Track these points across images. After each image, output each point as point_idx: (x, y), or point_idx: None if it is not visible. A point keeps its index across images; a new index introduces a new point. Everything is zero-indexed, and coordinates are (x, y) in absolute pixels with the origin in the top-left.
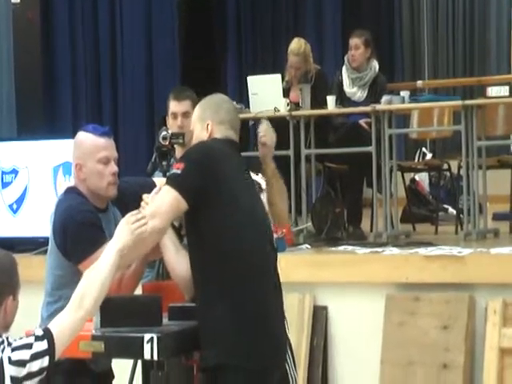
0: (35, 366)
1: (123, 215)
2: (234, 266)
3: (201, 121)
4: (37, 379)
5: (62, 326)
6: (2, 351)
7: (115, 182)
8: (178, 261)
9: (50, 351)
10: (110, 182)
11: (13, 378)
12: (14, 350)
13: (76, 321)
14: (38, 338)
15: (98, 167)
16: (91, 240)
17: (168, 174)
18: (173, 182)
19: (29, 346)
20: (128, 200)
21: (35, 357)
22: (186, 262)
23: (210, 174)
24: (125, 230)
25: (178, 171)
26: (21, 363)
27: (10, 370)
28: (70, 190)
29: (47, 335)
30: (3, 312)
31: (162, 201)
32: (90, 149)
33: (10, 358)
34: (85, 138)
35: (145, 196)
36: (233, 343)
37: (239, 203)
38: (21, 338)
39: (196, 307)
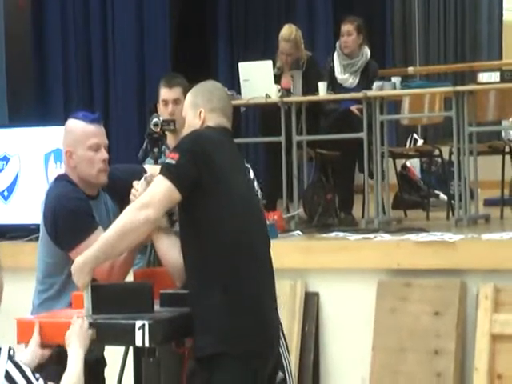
0: None
1: (114, 202)
2: (230, 255)
3: (193, 108)
4: None
5: None
6: None
7: (106, 169)
8: (169, 248)
9: None
10: (101, 169)
11: None
12: (13, 363)
13: None
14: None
15: (89, 154)
16: (82, 227)
17: (160, 162)
18: (166, 172)
19: (26, 377)
20: (119, 187)
21: None
22: (177, 249)
23: (205, 164)
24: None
25: (172, 161)
26: (12, 381)
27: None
28: (61, 178)
29: None
30: None
31: (156, 191)
32: (80, 136)
33: (7, 372)
34: (75, 125)
35: (135, 183)
36: (228, 332)
37: (234, 192)
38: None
39: (189, 296)
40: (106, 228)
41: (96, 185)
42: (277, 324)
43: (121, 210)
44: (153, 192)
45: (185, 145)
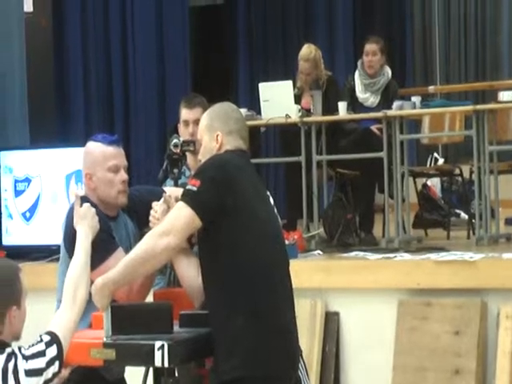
0: (50, 372)
1: (134, 223)
2: (252, 280)
3: (209, 131)
4: None
5: (64, 326)
6: (15, 364)
7: (125, 190)
8: (187, 268)
9: (60, 356)
10: (120, 190)
11: None
12: (27, 358)
13: (74, 316)
14: (48, 344)
15: (108, 176)
16: (102, 248)
17: (180, 183)
18: (188, 198)
19: (42, 354)
20: (138, 208)
21: (49, 364)
22: (195, 269)
23: (226, 190)
24: (87, 212)
25: (194, 188)
26: (38, 372)
27: (26, 382)
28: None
29: (55, 339)
30: (8, 322)
31: (177, 218)
32: (99, 158)
33: (25, 371)
34: (94, 147)
35: (154, 204)
36: (251, 355)
37: (255, 216)
38: (32, 345)
39: (210, 318)
40: (126, 249)
41: (116, 206)
42: (297, 345)
43: (140, 230)
44: (174, 219)
45: (207, 171)
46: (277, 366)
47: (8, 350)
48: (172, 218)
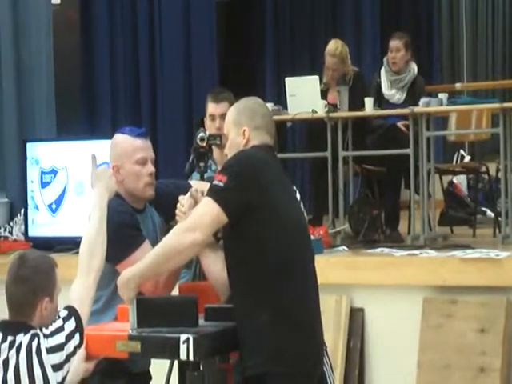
0: (71, 346)
1: (161, 216)
2: (279, 275)
3: (236, 126)
4: (73, 359)
5: (81, 298)
6: (38, 343)
7: (152, 183)
8: (213, 262)
9: (79, 328)
10: (147, 183)
11: (54, 366)
12: (47, 336)
13: (91, 285)
14: (65, 319)
15: (135, 168)
16: (129, 241)
17: (206, 177)
18: (215, 195)
19: (61, 329)
20: (165, 201)
21: (69, 337)
22: (221, 263)
23: (253, 186)
24: (104, 173)
25: (220, 183)
26: (59, 347)
27: (49, 360)
28: None
29: (73, 313)
30: (39, 312)
31: (204, 214)
32: (126, 150)
33: (47, 349)
34: (121, 139)
35: (181, 197)
36: (276, 351)
37: (281, 212)
38: (52, 324)
39: (236, 313)
40: (152, 241)
41: (143, 199)
42: (322, 340)
43: (166, 223)
44: (200, 215)
45: (233, 167)
46: (301, 364)
47: (32, 331)
48: (198, 214)
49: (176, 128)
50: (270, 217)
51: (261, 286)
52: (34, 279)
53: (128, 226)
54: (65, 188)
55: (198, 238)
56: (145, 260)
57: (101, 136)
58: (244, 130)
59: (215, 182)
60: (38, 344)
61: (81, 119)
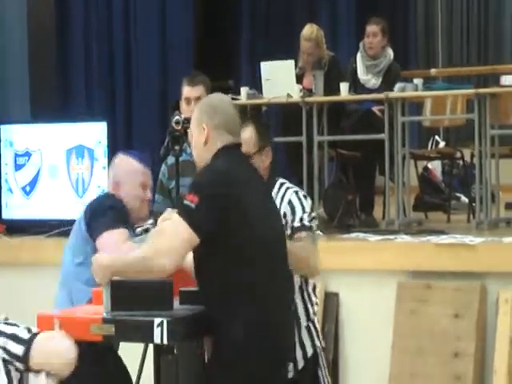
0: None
1: None
2: (252, 269)
3: (198, 125)
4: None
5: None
6: None
7: (148, 207)
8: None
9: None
10: (144, 206)
11: None
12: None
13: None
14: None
15: (137, 190)
16: (114, 219)
17: (181, 160)
18: (187, 217)
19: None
20: None
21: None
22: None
23: (226, 210)
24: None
25: (192, 205)
26: None
27: None
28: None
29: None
30: None
31: (175, 237)
32: (130, 171)
33: None
34: (127, 160)
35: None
36: (245, 339)
37: (256, 225)
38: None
39: (206, 301)
40: None
41: (137, 218)
42: (291, 347)
43: None
44: (172, 238)
45: (204, 186)
46: (269, 352)
47: None
48: (170, 236)
49: (151, 111)
50: (243, 235)
51: (234, 280)
52: None
53: (117, 211)
54: (39, 171)
55: (169, 264)
56: (124, 259)
57: (75, 119)
58: (203, 129)
59: (187, 203)
60: None
61: (55, 102)
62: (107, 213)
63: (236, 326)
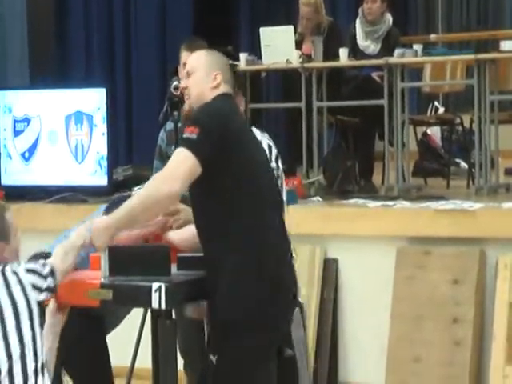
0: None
1: None
2: (251, 222)
3: (209, 67)
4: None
5: None
6: (12, 269)
7: None
8: None
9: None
10: None
11: (34, 286)
12: (20, 264)
13: None
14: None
15: None
16: None
17: (180, 127)
18: (189, 147)
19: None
20: None
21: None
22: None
23: (225, 137)
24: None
25: (193, 135)
26: (37, 272)
27: (28, 279)
28: None
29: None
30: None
31: (179, 164)
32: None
33: (25, 270)
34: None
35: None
36: (245, 300)
37: (252, 158)
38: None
39: (206, 260)
40: None
41: None
42: (293, 290)
43: None
44: (176, 166)
45: (204, 119)
46: (271, 316)
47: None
48: (174, 165)
49: (150, 77)
50: (243, 166)
51: (233, 233)
52: None
53: None
54: (38, 136)
55: (175, 188)
56: (120, 211)
57: (74, 85)
58: (217, 74)
59: (187, 135)
60: (11, 269)
61: (54, 68)
62: None
63: (234, 257)
